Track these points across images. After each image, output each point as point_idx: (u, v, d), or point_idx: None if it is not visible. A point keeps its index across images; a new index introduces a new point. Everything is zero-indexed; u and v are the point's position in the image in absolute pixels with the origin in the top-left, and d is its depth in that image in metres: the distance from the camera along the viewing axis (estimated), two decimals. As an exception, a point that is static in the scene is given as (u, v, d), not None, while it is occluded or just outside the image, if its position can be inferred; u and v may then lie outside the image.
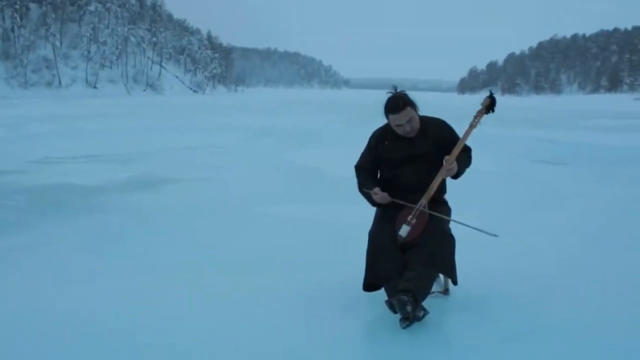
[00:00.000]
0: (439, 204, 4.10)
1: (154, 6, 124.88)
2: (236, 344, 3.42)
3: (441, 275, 4.34)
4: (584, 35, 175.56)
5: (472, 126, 4.03)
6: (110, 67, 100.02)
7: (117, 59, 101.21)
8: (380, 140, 4.16)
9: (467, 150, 4.14)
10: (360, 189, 4.17)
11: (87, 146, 14.79)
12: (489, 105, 4.08)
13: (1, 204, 7.77)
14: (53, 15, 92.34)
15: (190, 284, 4.44)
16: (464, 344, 3.52)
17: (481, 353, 3.34)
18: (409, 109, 3.93)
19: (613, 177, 10.68)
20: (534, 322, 3.77)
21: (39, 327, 3.63)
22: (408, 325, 3.59)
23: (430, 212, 3.92)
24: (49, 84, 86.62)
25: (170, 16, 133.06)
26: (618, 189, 9.38)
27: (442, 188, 4.16)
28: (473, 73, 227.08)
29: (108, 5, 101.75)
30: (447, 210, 4.14)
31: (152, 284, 4.44)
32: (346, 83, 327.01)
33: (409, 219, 3.87)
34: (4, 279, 4.65)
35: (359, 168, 4.27)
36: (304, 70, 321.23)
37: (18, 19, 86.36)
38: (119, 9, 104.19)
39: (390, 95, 4.00)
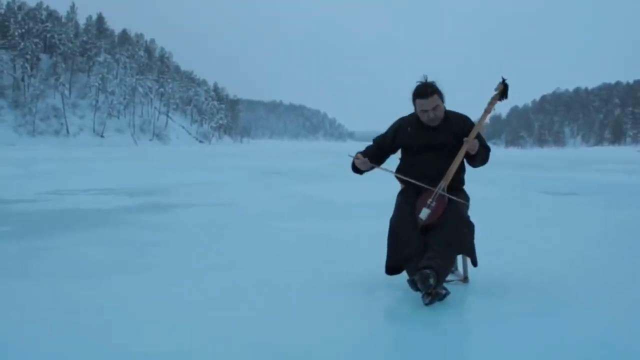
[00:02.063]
0: (458, 191, 4.17)
1: (162, 58, 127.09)
2: (269, 324, 3.44)
3: (460, 264, 4.39)
4: (586, 89, 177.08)
5: (486, 112, 4.15)
6: (118, 117, 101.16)
7: (124, 109, 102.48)
8: (404, 126, 4.27)
9: (486, 147, 4.23)
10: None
11: (95, 181, 14.88)
12: (503, 92, 4.17)
13: (19, 219, 7.85)
14: (63, 66, 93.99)
15: (211, 281, 4.45)
16: (485, 321, 3.51)
17: (501, 329, 3.33)
18: (436, 96, 4.05)
19: (621, 204, 10.85)
20: (554, 303, 3.80)
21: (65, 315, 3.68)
22: (430, 302, 3.61)
23: (449, 196, 3.98)
24: (56, 133, 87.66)
25: (177, 68, 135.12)
26: (626, 212, 9.58)
27: (461, 178, 4.23)
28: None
29: (117, 56, 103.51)
30: (465, 198, 4.20)
31: (175, 281, 4.47)
32: (351, 135, 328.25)
33: (428, 202, 3.93)
34: (31, 270, 4.76)
35: (373, 140, 4.45)
36: (309, 122, 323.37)
37: (29, 68, 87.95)
38: (127, 60, 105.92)
39: (420, 82, 4.11)
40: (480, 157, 4.16)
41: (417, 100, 4.08)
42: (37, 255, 5.34)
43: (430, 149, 4.15)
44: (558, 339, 3.09)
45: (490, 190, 11.76)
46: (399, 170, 4.30)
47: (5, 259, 5.24)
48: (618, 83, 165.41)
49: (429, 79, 4.14)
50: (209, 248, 5.91)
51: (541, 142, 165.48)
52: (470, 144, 4.00)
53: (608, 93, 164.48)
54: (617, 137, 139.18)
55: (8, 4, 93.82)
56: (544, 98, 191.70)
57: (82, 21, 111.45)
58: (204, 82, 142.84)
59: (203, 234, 6.83)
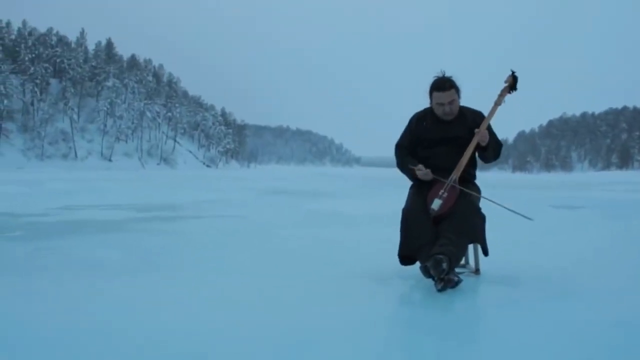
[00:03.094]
0: (470, 183, 4.20)
1: (170, 83, 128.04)
2: (284, 311, 3.51)
3: (471, 257, 4.40)
4: (593, 114, 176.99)
5: (497, 104, 4.20)
6: (126, 141, 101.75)
7: (132, 133, 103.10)
8: (420, 121, 4.32)
9: (497, 142, 4.25)
10: (403, 165, 4.30)
11: (103, 198, 14.91)
12: (512, 84, 4.21)
13: (29, 227, 7.91)
14: (72, 90, 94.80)
15: (224, 282, 4.47)
16: (497, 303, 3.53)
17: (513, 311, 3.35)
18: (453, 91, 4.11)
19: (625, 215, 11.25)
20: (564, 290, 3.84)
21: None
22: (443, 288, 3.63)
23: (461, 187, 4.00)
24: (64, 156, 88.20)
25: (185, 93, 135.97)
26: (630, 221, 9.96)
27: (472, 172, 4.27)
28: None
29: (126, 81, 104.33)
30: (477, 190, 4.23)
31: (187, 281, 4.49)
32: (357, 161, 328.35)
33: (440, 193, 3.97)
34: (37, 266, 4.82)
35: (399, 146, 4.40)
36: (315, 148, 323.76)
37: (38, 93, 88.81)
38: (136, 85, 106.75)
39: (438, 77, 4.16)
40: (492, 149, 4.19)
41: (435, 93, 4.12)
42: (44, 255, 5.37)
43: (444, 142, 4.19)
44: (569, 320, 3.12)
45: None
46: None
47: (14, 257, 5.29)
48: (625, 108, 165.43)
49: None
50: (217, 250, 5.96)
51: (548, 167, 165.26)
52: (481, 135, 4.03)
53: (615, 118, 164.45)
54: (625, 162, 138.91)
55: (19, 29, 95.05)
56: (550, 123, 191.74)
57: (91, 46, 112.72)
58: (212, 107, 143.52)
59: (211, 239, 6.86)
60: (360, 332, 2.89)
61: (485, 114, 4.22)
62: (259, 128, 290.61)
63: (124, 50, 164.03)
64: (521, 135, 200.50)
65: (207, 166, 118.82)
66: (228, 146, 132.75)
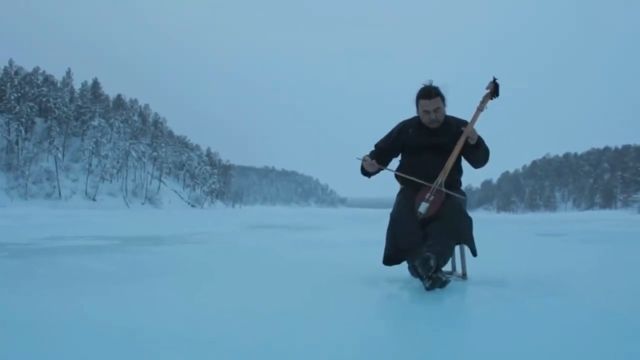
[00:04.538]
0: (455, 189, 4.27)
1: (156, 123, 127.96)
2: (279, 314, 3.56)
3: (458, 262, 4.45)
4: (575, 154, 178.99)
5: (479, 110, 4.28)
6: (110, 181, 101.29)
7: (117, 173, 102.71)
8: (405, 128, 4.43)
9: (486, 147, 4.33)
10: (362, 158, 4.42)
11: (89, 231, 14.75)
12: (494, 90, 4.30)
13: (16, 250, 7.85)
14: (57, 129, 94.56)
15: (227, 285, 4.53)
16: (487, 299, 3.57)
17: (504, 305, 3.38)
18: (439, 99, 4.24)
19: (606, 241, 11.65)
20: (552, 290, 3.92)
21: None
22: (432, 287, 3.66)
23: (447, 191, 4.08)
24: (48, 195, 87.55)
25: (171, 133, 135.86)
26: (610, 245, 10.26)
27: (457, 179, 4.36)
28: (468, 191, 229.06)
29: (111, 120, 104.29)
30: (462, 194, 4.31)
31: (199, 287, 4.54)
32: (343, 202, 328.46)
33: (427, 196, 4.04)
34: (27, 276, 4.83)
35: (375, 145, 4.54)
36: (301, 188, 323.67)
37: (23, 132, 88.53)
38: (121, 125, 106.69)
39: (425, 85, 4.27)
40: (482, 151, 4.26)
41: (421, 101, 4.23)
42: (33, 269, 5.34)
43: (430, 149, 4.28)
44: (558, 313, 3.16)
45: (485, 232, 11.93)
46: (400, 170, 4.40)
47: (4, 270, 5.26)
48: (607, 148, 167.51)
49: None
50: (205, 264, 6.00)
51: (532, 206, 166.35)
52: (469, 131, 4.12)
53: (597, 158, 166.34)
54: (608, 202, 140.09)
55: (5, 68, 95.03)
56: (534, 163, 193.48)
57: (77, 86, 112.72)
58: (197, 147, 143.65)
59: (199, 256, 6.90)
60: (354, 326, 2.91)
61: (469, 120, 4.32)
62: (245, 169, 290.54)
63: (110, 90, 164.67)
64: (505, 176, 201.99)
65: (192, 206, 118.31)
66: (213, 186, 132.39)
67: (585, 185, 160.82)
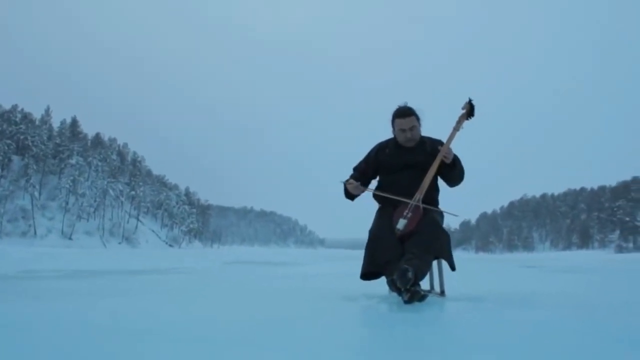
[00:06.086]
0: (433, 206, 4.36)
1: (134, 162, 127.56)
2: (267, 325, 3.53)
3: (436, 280, 4.52)
4: (552, 195, 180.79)
5: (455, 129, 4.41)
6: (87, 219, 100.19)
7: (94, 212, 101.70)
8: (382, 149, 4.56)
9: (461, 167, 4.45)
10: (345, 181, 4.53)
11: (65, 265, 14.56)
12: (469, 111, 4.43)
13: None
14: (34, 167, 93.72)
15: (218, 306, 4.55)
16: (467, 308, 3.63)
17: (484, 314, 3.44)
18: (414, 118, 4.38)
19: (582, 271, 11.94)
20: (531, 305, 3.98)
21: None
22: (410, 299, 3.72)
23: (425, 205, 4.18)
24: (24, 234, 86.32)
25: (149, 172, 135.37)
26: (585, 275, 10.43)
27: (434, 197, 4.46)
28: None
29: (89, 159, 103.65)
30: (439, 212, 4.41)
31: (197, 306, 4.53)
32: (322, 243, 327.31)
33: (405, 213, 4.14)
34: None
35: (354, 168, 4.67)
36: (279, 229, 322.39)
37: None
38: (100, 163, 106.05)
39: (400, 106, 4.40)
40: (457, 170, 4.37)
41: (397, 120, 4.36)
42: (17, 283, 5.34)
43: (406, 168, 4.39)
44: (535, 322, 3.23)
45: (465, 266, 12.06)
46: (379, 189, 4.50)
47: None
48: (583, 189, 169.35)
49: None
50: (195, 290, 5.98)
51: (510, 247, 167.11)
52: (445, 150, 4.23)
53: (574, 199, 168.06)
54: (585, 242, 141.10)
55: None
56: (511, 204, 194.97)
57: (56, 124, 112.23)
58: (176, 187, 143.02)
59: (179, 283, 6.88)
60: (333, 333, 2.97)
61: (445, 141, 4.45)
62: (223, 209, 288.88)
63: (89, 128, 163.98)
64: (483, 217, 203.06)
65: (170, 246, 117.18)
66: (191, 226, 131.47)
67: (562, 226, 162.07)
